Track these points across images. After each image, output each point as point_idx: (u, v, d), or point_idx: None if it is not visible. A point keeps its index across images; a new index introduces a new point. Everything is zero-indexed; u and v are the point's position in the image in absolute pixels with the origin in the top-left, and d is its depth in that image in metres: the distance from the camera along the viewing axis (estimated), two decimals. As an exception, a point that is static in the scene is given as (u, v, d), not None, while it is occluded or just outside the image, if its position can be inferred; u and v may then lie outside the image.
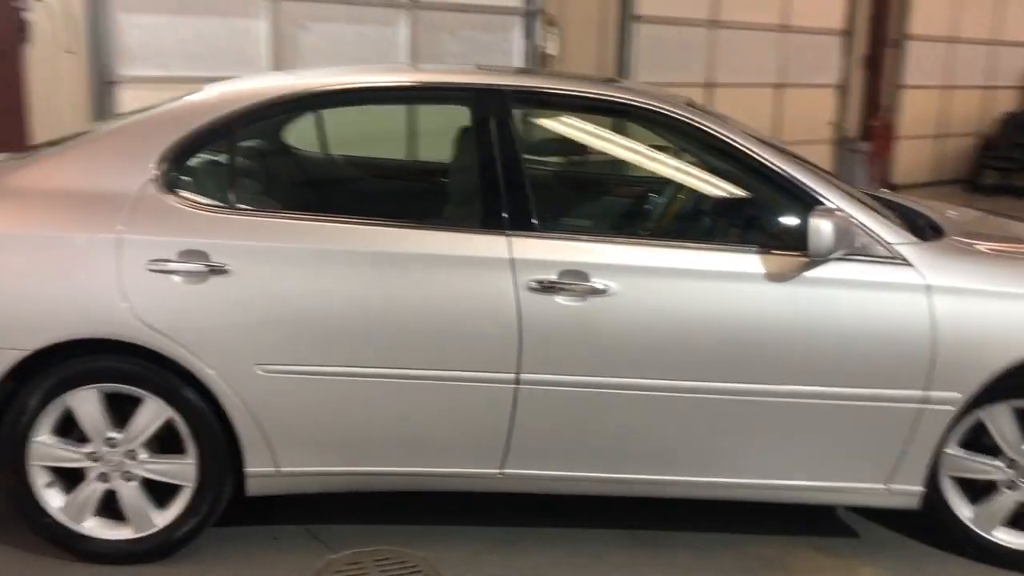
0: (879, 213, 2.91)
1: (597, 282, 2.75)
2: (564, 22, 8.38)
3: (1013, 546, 3.01)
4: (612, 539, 3.14)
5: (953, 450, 2.99)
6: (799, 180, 2.85)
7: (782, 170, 2.86)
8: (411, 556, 3.00)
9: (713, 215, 3.05)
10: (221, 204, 2.79)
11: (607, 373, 2.78)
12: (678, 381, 2.79)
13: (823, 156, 11.06)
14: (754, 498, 2.99)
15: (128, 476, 2.81)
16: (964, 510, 3.04)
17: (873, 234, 2.82)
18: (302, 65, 7.05)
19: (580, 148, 3.20)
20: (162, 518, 2.86)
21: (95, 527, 2.84)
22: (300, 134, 3.02)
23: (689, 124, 2.90)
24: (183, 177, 2.80)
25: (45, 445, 2.76)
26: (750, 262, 2.77)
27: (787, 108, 10.50)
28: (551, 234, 2.81)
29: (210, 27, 6.68)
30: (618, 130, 3.18)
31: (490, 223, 2.80)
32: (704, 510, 3.16)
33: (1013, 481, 2.98)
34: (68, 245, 2.68)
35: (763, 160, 2.86)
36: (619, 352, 2.77)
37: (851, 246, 2.74)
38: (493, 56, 8.05)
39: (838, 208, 2.78)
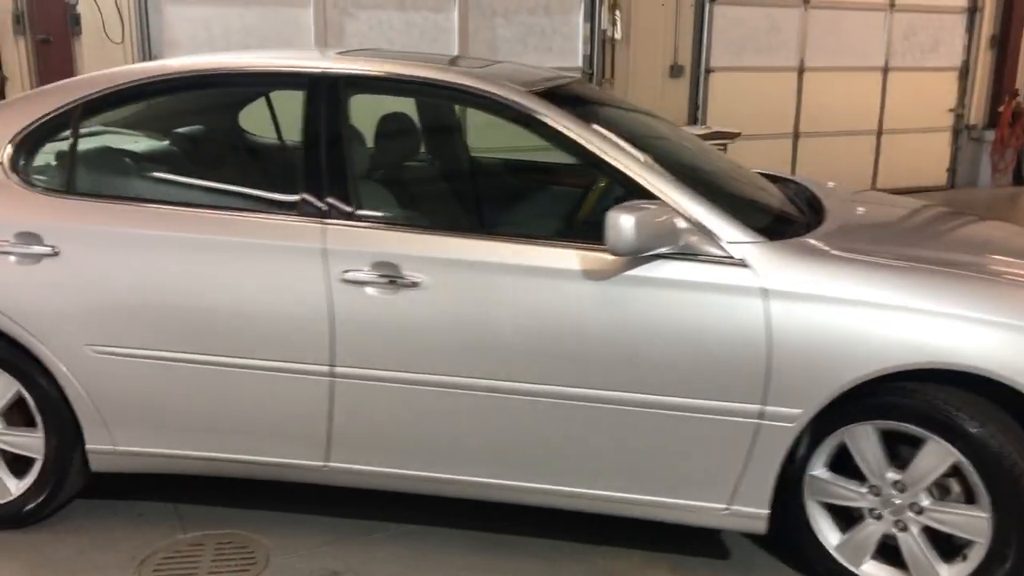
0: (723, 209, 2.65)
1: (409, 275, 2.66)
2: (633, 4, 8.12)
3: (882, 584, 2.70)
4: (461, 541, 3.04)
5: (820, 472, 2.71)
6: (626, 170, 2.65)
7: (611, 159, 2.66)
8: (255, 542, 3.02)
9: (535, 207, 2.88)
10: (59, 188, 2.89)
11: (420, 369, 2.69)
12: (491, 380, 2.67)
13: (940, 146, 10.25)
14: (593, 510, 2.82)
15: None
16: (831, 538, 2.75)
17: (706, 231, 2.58)
18: (349, 53, 7.19)
19: (415, 136, 3.08)
20: (16, 488, 3.00)
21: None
22: (157, 121, 3.07)
23: (521, 112, 2.74)
24: (28, 161, 2.92)
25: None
26: (566, 258, 2.60)
27: (897, 94, 9.76)
28: (366, 224, 2.74)
29: (257, 16, 6.91)
30: (460, 118, 3.05)
31: (308, 211, 2.76)
32: (564, 514, 3.00)
33: (878, 511, 2.67)
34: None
35: (591, 149, 2.67)
36: (431, 348, 2.68)
37: (671, 244, 2.53)
38: (554, 41, 7.92)
39: (659, 202, 2.56)
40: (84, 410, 2.88)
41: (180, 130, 3.08)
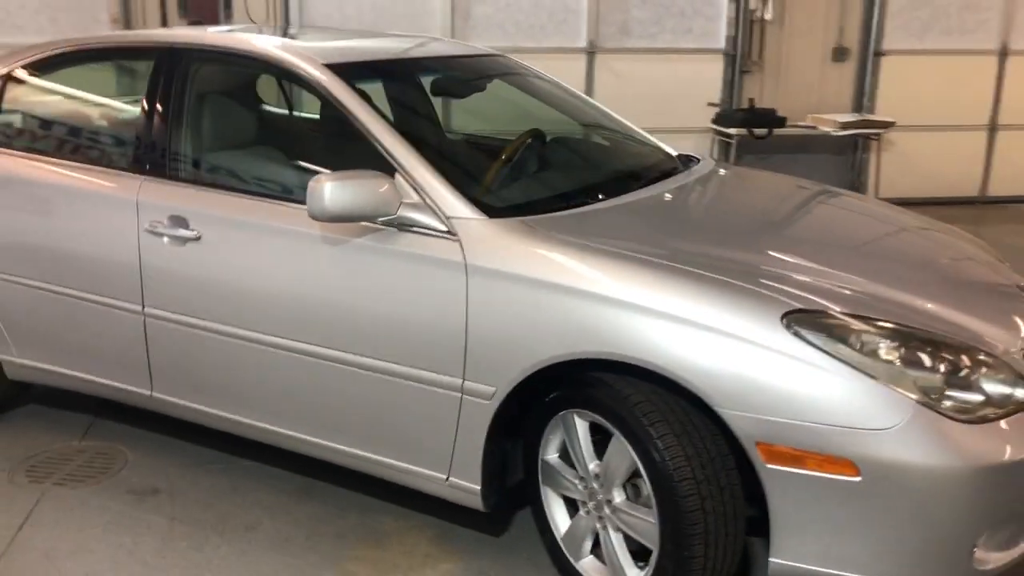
0: (457, 184, 2.65)
1: (194, 229, 2.95)
2: (788, -18, 7.67)
3: (588, 579, 2.60)
4: (276, 481, 3.28)
5: (551, 458, 2.66)
6: (375, 142, 2.73)
7: (367, 131, 2.75)
8: (121, 456, 3.47)
9: (302, 171, 2.99)
10: (-20, 140, 3.50)
11: (201, 315, 2.97)
12: (252, 332, 2.89)
13: None
14: (346, 465, 2.94)
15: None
16: (561, 528, 2.69)
17: (434, 205, 2.62)
18: (475, 36, 7.49)
19: (233, 103, 3.30)
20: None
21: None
22: (57, 88, 3.59)
23: (305, 80, 2.91)
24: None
25: None
26: (305, 220, 2.74)
27: None
28: (171, 180, 3.05)
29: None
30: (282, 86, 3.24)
31: (131, 167, 3.13)
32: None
33: (588, 504, 2.57)
34: None
35: (352, 120, 2.78)
36: (209, 297, 2.94)
37: (383, 214, 2.59)
38: (694, 22, 7.69)
39: (381, 174, 2.61)
40: None
41: (67, 96, 3.58)
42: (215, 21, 7.15)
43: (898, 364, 2.20)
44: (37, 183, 3.29)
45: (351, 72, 2.95)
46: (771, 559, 2.29)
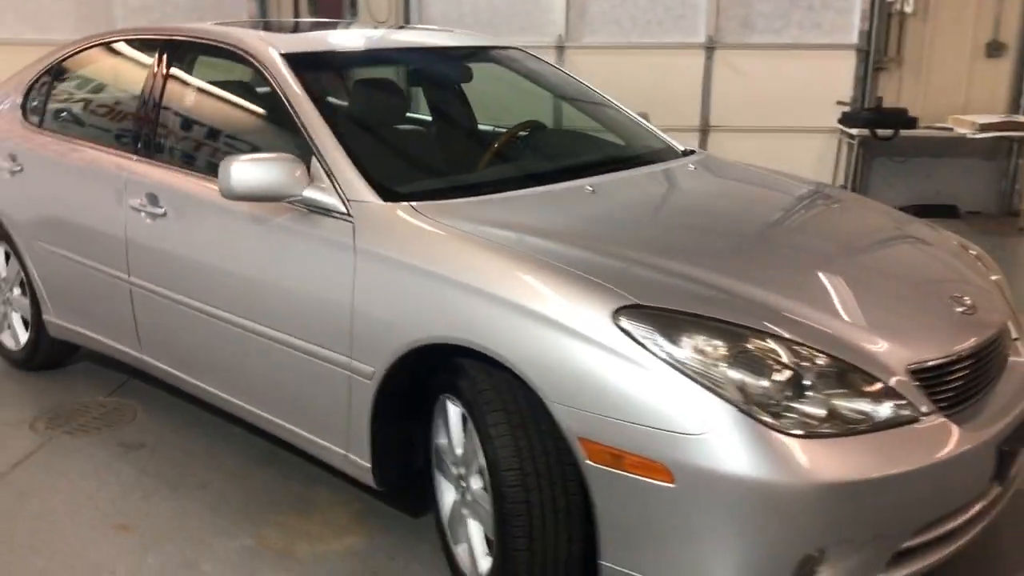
0: (365, 168, 2.72)
1: (162, 206, 3.19)
2: (934, -26, 7.10)
3: (463, 566, 2.59)
4: (245, 446, 3.48)
5: (440, 441, 2.68)
6: (303, 125, 2.85)
7: (295, 116, 2.88)
8: (132, 410, 3.81)
9: (240, 149, 3.13)
10: (34, 123, 3.92)
11: (166, 285, 3.22)
12: (196, 301, 3.10)
13: None
14: (276, 434, 3.07)
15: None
16: (445, 509, 2.70)
17: (339, 187, 2.70)
18: (590, 32, 7.47)
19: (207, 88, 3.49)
20: (22, 341, 4.15)
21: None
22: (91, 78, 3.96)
23: (259, 65, 3.07)
24: (29, 103, 4.01)
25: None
26: (238, 200, 2.90)
27: None
28: (150, 161, 3.32)
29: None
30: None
31: (126, 149, 3.43)
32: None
33: (457, 487, 2.58)
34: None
35: (285, 106, 2.92)
36: (172, 268, 3.18)
37: (288, 195, 2.69)
38: (823, 16, 7.30)
39: (290, 157, 2.72)
40: (38, 289, 3.91)
41: (98, 85, 3.94)
42: (339, 19, 7.56)
43: (724, 367, 2.06)
44: (63, 163, 3.66)
45: (305, 60, 3.09)
46: (599, 561, 2.21)
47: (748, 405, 2.01)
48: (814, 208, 3.16)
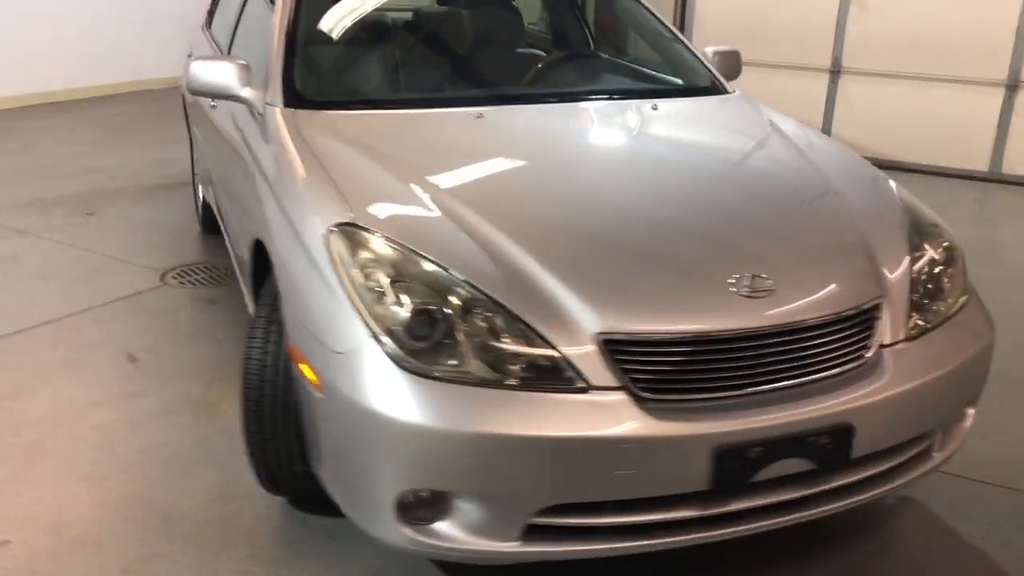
0: (289, 75, 2.96)
1: (215, 104, 3.71)
2: None
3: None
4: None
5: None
6: (271, 37, 3.14)
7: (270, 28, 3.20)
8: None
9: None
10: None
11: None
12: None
13: None
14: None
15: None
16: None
17: (266, 91, 2.97)
18: None
19: None
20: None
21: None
22: None
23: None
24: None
25: None
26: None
27: None
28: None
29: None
30: None
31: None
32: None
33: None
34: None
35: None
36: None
37: (227, 94, 2.99)
38: None
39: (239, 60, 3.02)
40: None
41: None
42: None
43: (385, 296, 2.04)
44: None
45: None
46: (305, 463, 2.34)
47: (386, 336, 1.99)
48: (709, 159, 2.85)
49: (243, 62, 3.04)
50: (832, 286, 2.19)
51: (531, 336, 1.97)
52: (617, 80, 3.42)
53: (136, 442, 3.01)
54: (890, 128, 6.92)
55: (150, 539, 2.54)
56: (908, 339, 2.23)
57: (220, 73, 3.01)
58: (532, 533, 2.01)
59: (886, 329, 2.21)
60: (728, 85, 3.41)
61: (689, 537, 2.08)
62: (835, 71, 7.03)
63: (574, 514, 2.01)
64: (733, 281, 2.11)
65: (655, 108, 3.11)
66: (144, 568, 2.42)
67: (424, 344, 1.99)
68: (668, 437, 1.94)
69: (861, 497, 2.23)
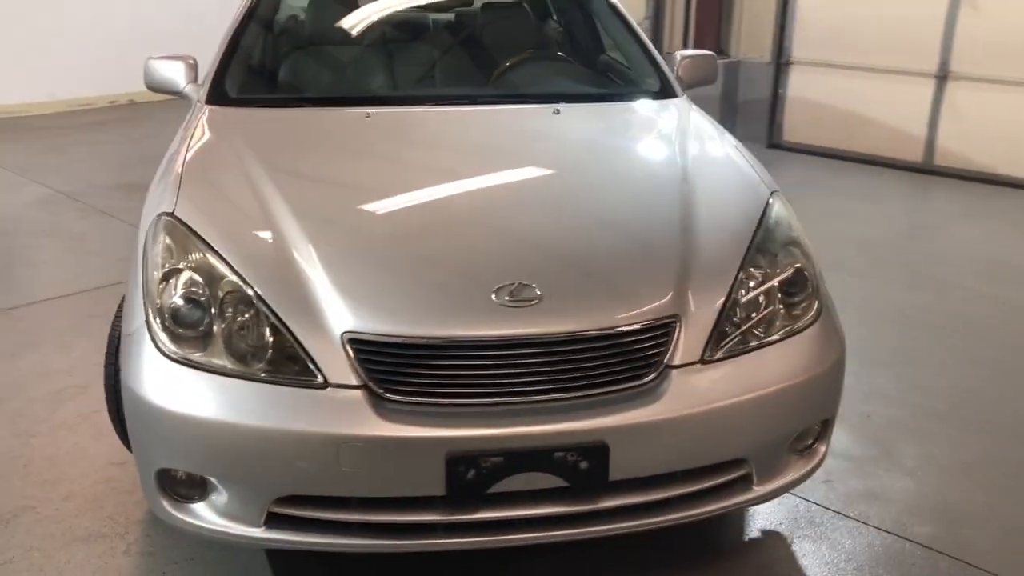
0: (222, 72, 3.15)
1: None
2: None
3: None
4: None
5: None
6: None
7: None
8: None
9: None
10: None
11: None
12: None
13: None
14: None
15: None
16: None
17: (203, 86, 3.17)
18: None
19: None
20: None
21: None
22: None
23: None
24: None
25: None
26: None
27: None
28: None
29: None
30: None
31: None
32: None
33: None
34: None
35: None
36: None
37: (174, 90, 3.24)
38: None
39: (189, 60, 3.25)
40: None
41: None
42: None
43: (167, 280, 2.17)
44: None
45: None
46: None
47: (156, 320, 2.11)
48: (566, 168, 2.76)
49: (192, 61, 3.26)
50: (606, 302, 2.11)
51: (281, 331, 2.03)
52: (544, 83, 3.36)
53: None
54: (1004, 140, 6.33)
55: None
56: (706, 362, 2.11)
57: (170, 70, 3.24)
58: (276, 521, 2.06)
59: (679, 350, 2.09)
60: (678, 89, 3.28)
61: (436, 542, 2.07)
62: (941, 76, 6.51)
63: (319, 507, 2.05)
64: (497, 289, 2.08)
65: (557, 112, 3.05)
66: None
67: (192, 332, 2.09)
68: (397, 438, 1.95)
69: (644, 522, 2.13)
